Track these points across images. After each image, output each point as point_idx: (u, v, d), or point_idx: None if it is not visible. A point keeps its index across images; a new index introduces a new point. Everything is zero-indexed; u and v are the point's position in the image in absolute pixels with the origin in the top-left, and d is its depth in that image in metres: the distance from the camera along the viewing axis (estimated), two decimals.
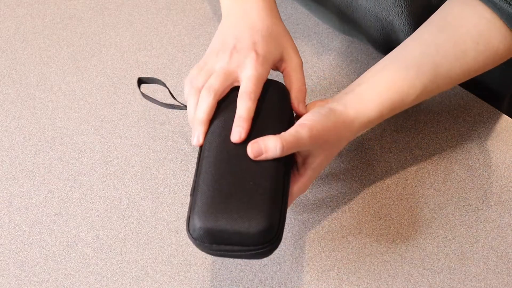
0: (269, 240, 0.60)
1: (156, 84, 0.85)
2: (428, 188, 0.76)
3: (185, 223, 0.74)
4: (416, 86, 0.69)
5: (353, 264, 0.71)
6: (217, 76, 0.67)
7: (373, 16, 0.81)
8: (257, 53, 0.67)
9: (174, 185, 0.77)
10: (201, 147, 0.66)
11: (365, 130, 0.81)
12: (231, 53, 0.68)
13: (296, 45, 0.89)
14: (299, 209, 0.75)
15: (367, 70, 0.71)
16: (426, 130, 0.81)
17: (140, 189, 0.77)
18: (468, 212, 0.75)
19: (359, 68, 0.87)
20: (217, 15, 0.93)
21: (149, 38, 0.91)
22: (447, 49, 0.69)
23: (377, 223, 0.74)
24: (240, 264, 0.71)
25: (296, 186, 0.67)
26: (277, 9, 0.74)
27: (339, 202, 0.75)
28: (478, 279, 0.70)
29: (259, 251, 0.60)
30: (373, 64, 0.72)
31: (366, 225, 0.74)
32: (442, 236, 0.73)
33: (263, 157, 0.62)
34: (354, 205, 0.75)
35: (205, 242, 0.60)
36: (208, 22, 0.92)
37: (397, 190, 0.76)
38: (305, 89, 0.71)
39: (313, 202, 0.75)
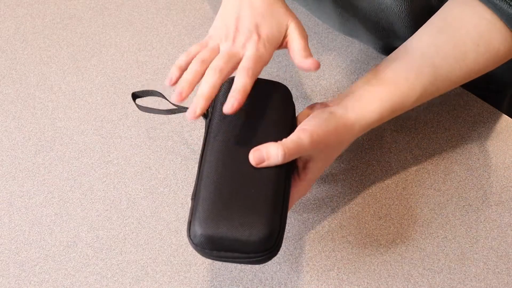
0: (269, 247, 0.60)
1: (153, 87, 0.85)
2: (428, 188, 0.76)
3: (185, 225, 0.74)
4: (416, 88, 0.69)
5: (353, 264, 0.71)
6: (222, 57, 0.66)
7: (373, 16, 0.81)
8: (259, 36, 0.66)
9: (174, 185, 0.77)
10: (202, 151, 0.66)
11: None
12: (234, 37, 0.67)
13: None
14: (299, 209, 0.75)
15: (367, 72, 0.71)
16: (426, 130, 0.81)
17: (140, 189, 0.77)
18: (468, 212, 0.75)
19: (359, 68, 0.87)
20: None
21: (149, 38, 0.91)
22: (447, 51, 0.69)
23: (377, 223, 0.74)
24: (240, 264, 0.71)
25: (296, 190, 0.67)
26: None
27: (339, 202, 0.75)
28: (478, 279, 0.70)
29: (259, 258, 0.61)
30: (373, 64, 0.72)
31: (366, 225, 0.74)
32: (442, 236, 0.73)
33: (265, 164, 0.62)
34: (354, 205, 0.75)
35: (205, 249, 0.60)
36: (208, 22, 0.92)
37: (397, 190, 0.76)
38: (306, 35, 0.69)
39: (313, 202, 0.75)
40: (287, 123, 0.67)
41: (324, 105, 0.70)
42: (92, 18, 0.93)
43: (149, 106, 0.83)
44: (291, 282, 0.70)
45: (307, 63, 0.66)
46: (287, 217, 0.74)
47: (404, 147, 0.80)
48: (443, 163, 0.78)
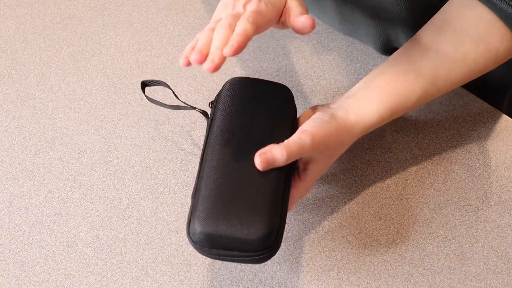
0: (268, 246, 0.61)
1: (158, 86, 0.85)
2: (428, 188, 0.76)
3: (185, 224, 0.74)
4: (416, 89, 0.69)
5: (353, 264, 0.71)
6: (226, 17, 0.63)
7: (373, 16, 0.81)
8: None
9: (174, 185, 0.77)
10: (203, 150, 0.66)
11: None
12: (234, 3, 0.65)
13: (296, 45, 0.89)
14: (299, 209, 0.75)
15: (368, 74, 0.71)
16: (426, 130, 0.81)
17: (140, 189, 0.77)
18: (468, 212, 0.74)
19: (359, 68, 0.87)
20: None
21: (149, 38, 0.91)
22: (447, 52, 0.69)
23: (377, 223, 0.74)
24: (240, 264, 0.71)
25: (296, 191, 0.67)
26: None
27: (339, 202, 0.75)
28: (478, 279, 0.70)
29: (258, 257, 0.61)
30: (373, 64, 0.72)
31: (366, 225, 0.74)
32: (442, 236, 0.73)
33: (270, 167, 0.63)
34: (354, 205, 0.75)
35: (204, 247, 0.61)
36: (208, 22, 0.92)
37: (397, 190, 0.76)
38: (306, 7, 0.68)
39: (313, 202, 0.75)
40: (288, 124, 0.67)
41: (325, 106, 0.70)
42: (92, 18, 0.93)
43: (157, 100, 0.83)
44: (291, 282, 0.70)
45: (302, 19, 0.64)
46: (287, 217, 0.74)
47: (404, 147, 0.80)
48: (443, 163, 0.78)
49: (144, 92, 0.76)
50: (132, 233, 0.73)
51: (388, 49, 0.86)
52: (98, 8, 0.94)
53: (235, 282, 0.70)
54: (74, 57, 0.89)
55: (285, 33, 0.90)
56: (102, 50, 0.90)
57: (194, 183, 0.77)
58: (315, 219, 0.74)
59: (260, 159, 0.62)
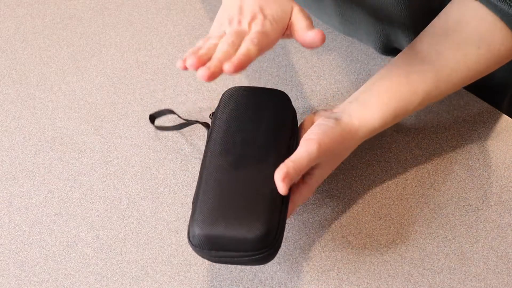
0: (267, 245, 0.61)
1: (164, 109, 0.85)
2: (428, 188, 0.76)
3: (185, 225, 0.74)
4: (418, 92, 0.69)
5: (353, 264, 0.71)
6: (230, 34, 0.63)
7: (373, 16, 0.81)
8: (264, 16, 0.65)
9: (174, 185, 0.77)
10: (203, 158, 0.67)
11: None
12: (239, 19, 0.65)
13: (296, 45, 0.89)
14: (299, 209, 0.75)
15: (370, 78, 0.72)
16: (426, 130, 0.81)
17: (140, 189, 0.77)
18: (468, 212, 0.74)
19: (359, 68, 0.87)
20: None
21: (149, 38, 0.91)
22: (449, 54, 0.69)
23: (377, 223, 0.74)
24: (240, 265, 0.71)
25: (299, 195, 0.68)
26: None
27: (339, 202, 0.75)
28: (478, 279, 0.70)
29: (257, 256, 0.61)
30: (373, 64, 0.72)
31: (366, 225, 0.74)
32: (442, 236, 0.73)
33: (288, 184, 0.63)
34: (354, 205, 0.75)
35: (204, 249, 0.61)
36: (208, 22, 0.92)
37: (397, 190, 0.76)
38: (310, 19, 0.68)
39: (313, 202, 0.75)
40: (287, 128, 0.69)
41: (328, 111, 0.71)
42: (92, 18, 0.93)
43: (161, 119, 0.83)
44: (291, 282, 0.70)
45: (311, 34, 0.63)
46: (287, 217, 0.74)
47: (404, 147, 0.80)
48: (443, 163, 0.78)
49: (153, 124, 0.79)
50: (132, 233, 0.73)
51: (388, 49, 0.86)
52: (98, 8, 0.94)
53: (235, 282, 0.70)
54: (74, 57, 0.89)
55: None
56: (102, 50, 0.90)
57: (194, 183, 0.77)
58: (315, 219, 0.74)
59: (285, 184, 0.63)
